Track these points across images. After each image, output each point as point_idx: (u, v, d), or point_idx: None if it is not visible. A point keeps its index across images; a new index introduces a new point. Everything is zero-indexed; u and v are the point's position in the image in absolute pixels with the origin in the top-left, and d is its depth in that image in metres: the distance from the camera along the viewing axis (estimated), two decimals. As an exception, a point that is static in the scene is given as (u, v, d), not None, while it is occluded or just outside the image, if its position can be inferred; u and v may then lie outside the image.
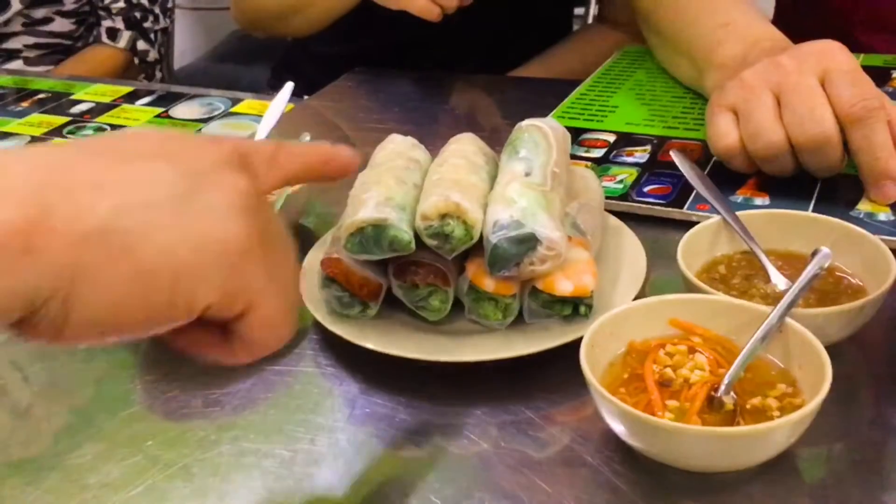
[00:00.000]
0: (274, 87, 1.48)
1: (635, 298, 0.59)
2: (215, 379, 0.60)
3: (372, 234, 0.57)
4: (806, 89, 0.67)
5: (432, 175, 0.62)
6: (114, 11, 1.66)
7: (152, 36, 1.70)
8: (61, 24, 1.65)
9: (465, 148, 0.66)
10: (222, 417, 0.57)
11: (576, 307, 0.58)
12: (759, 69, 0.71)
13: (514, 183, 0.59)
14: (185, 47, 2.47)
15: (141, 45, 1.67)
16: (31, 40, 1.65)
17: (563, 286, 0.57)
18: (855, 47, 0.73)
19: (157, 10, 1.71)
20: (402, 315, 0.61)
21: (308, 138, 0.78)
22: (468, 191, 0.59)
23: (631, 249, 0.66)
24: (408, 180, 0.62)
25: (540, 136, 0.64)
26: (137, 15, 1.68)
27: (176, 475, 0.52)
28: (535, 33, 1.32)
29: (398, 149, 0.67)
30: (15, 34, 1.62)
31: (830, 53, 0.69)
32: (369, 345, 0.58)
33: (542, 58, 1.27)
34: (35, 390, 0.62)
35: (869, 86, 0.67)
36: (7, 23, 1.60)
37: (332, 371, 0.60)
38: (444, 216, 0.56)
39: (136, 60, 1.68)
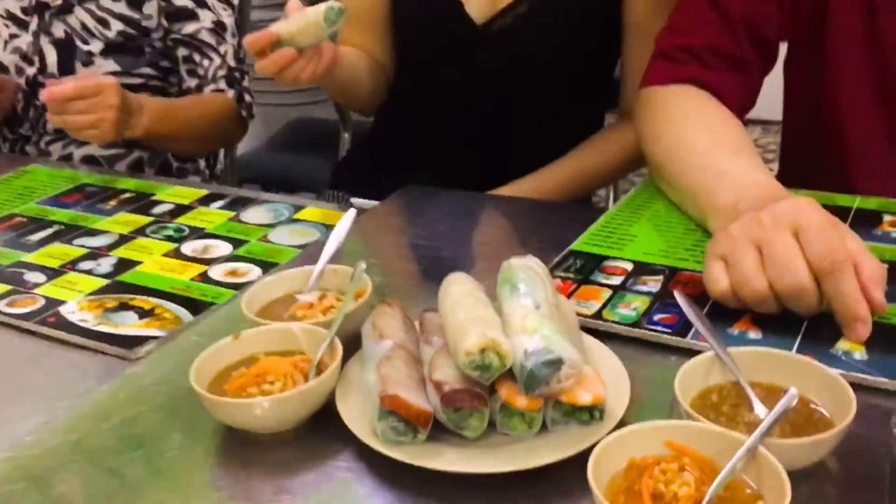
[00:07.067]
0: (334, 186, 1.62)
1: (628, 408, 0.72)
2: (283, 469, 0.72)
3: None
4: (782, 244, 0.79)
5: (455, 314, 0.74)
6: (217, 76, 1.71)
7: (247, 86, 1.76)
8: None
9: (466, 287, 0.80)
10: (292, 504, 0.69)
11: (590, 413, 0.71)
12: (743, 224, 0.83)
13: (530, 316, 0.72)
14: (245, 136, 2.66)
15: (246, 97, 1.75)
16: None
17: (584, 397, 0.70)
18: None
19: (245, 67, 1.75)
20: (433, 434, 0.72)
21: (364, 267, 0.85)
22: (494, 325, 0.72)
23: (609, 362, 0.79)
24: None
25: (532, 273, 0.79)
26: (237, 74, 1.73)
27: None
28: (566, 141, 1.46)
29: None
30: None
31: (804, 212, 0.81)
32: (426, 464, 0.68)
33: (566, 158, 1.42)
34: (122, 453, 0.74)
35: (837, 240, 0.78)
36: None
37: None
38: (482, 350, 0.69)
39: (244, 113, 1.74)
